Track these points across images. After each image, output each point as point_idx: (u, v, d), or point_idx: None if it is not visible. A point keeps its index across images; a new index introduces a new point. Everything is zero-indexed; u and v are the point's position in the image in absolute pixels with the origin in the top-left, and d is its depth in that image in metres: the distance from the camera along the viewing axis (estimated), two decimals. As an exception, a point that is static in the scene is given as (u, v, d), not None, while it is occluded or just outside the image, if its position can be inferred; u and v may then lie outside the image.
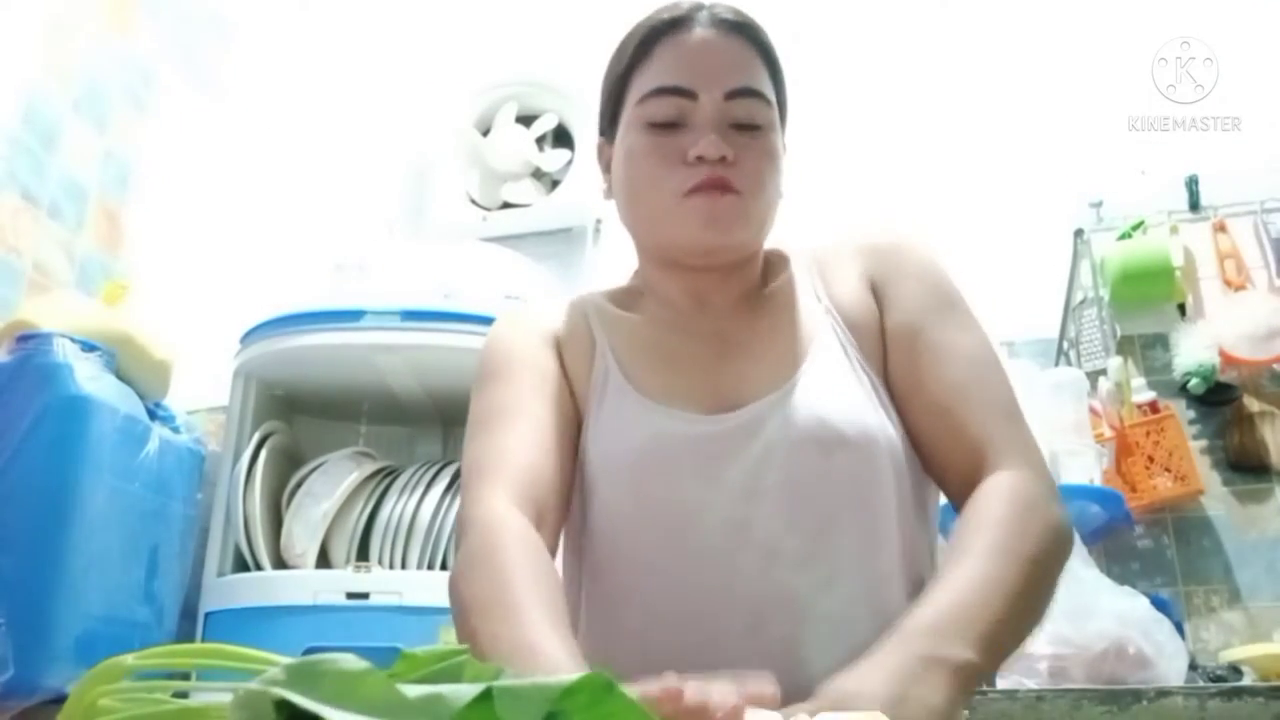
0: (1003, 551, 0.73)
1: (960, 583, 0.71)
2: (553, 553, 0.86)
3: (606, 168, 0.98)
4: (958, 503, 0.83)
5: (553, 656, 0.65)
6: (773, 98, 0.93)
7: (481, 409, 0.91)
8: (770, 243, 0.99)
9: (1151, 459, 1.92)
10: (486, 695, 0.35)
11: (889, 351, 0.90)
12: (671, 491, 0.84)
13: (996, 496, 0.78)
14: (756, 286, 0.96)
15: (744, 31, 0.92)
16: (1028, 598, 0.72)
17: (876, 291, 0.93)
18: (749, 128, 0.89)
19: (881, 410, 0.86)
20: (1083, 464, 1.84)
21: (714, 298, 0.94)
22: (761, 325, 0.92)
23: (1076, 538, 1.55)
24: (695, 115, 0.88)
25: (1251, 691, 1.35)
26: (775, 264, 0.99)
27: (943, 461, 0.85)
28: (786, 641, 0.79)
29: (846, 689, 0.62)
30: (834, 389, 0.86)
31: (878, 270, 0.94)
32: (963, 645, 0.66)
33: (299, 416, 2.09)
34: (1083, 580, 1.50)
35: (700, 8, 0.92)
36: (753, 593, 0.79)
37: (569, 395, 0.92)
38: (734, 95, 0.89)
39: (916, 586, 0.82)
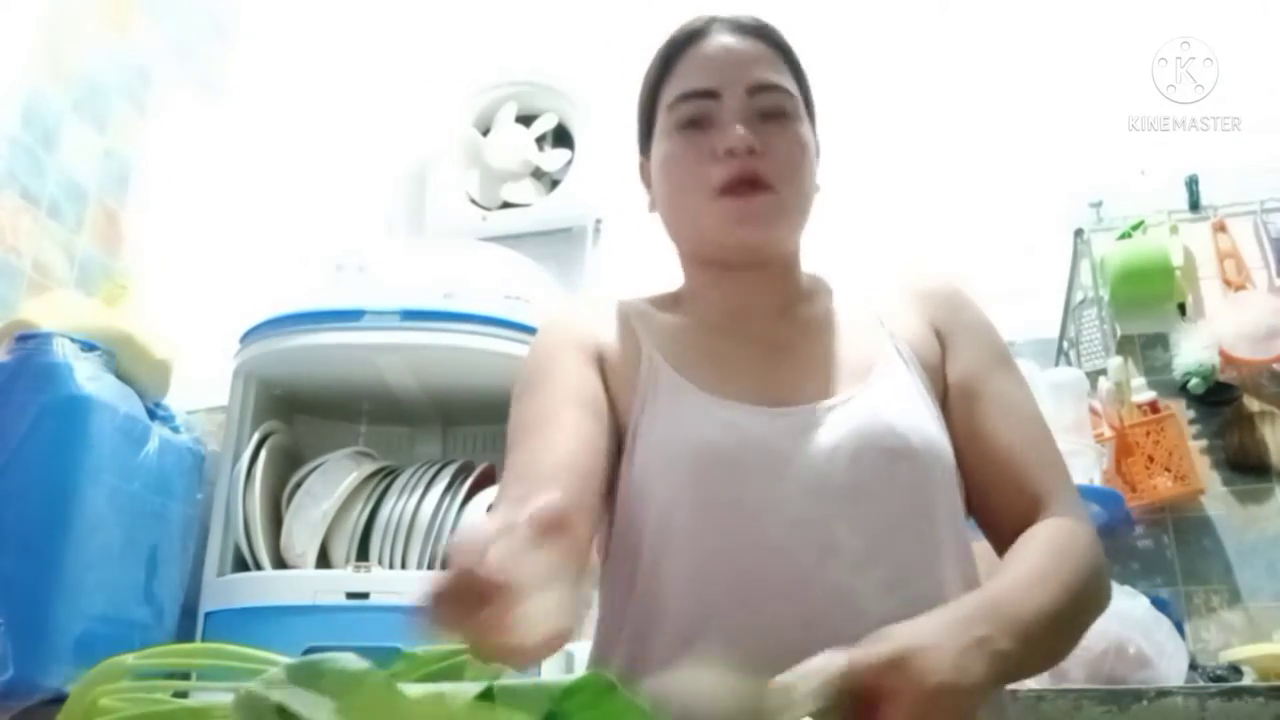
0: (1047, 574, 0.76)
1: (1005, 584, 0.75)
2: (584, 555, 0.85)
3: (648, 184, 1.00)
4: (1003, 547, 0.86)
5: None
6: (797, 92, 0.95)
7: (521, 418, 0.90)
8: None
9: (1151, 459, 1.92)
10: (488, 694, 0.35)
11: (950, 398, 0.92)
12: (736, 483, 0.84)
13: (1046, 531, 0.82)
14: (799, 296, 0.98)
15: (762, 34, 0.95)
16: (1063, 620, 0.75)
17: (941, 338, 0.95)
18: (776, 117, 0.91)
19: (943, 429, 0.89)
20: (1082, 464, 1.84)
21: (759, 300, 0.95)
22: (814, 337, 0.94)
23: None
24: (721, 113, 0.91)
25: (1252, 691, 1.35)
26: (821, 288, 1.01)
27: (996, 507, 0.88)
28: (841, 640, 0.78)
29: (910, 642, 0.65)
30: (902, 401, 0.88)
31: (940, 318, 0.96)
32: (1010, 639, 0.69)
33: (299, 416, 2.09)
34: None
35: (716, 19, 0.95)
36: (810, 589, 0.79)
37: (607, 405, 0.91)
38: (756, 90, 0.91)
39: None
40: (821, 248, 1.05)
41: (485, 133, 2.44)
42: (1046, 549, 0.80)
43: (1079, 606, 0.78)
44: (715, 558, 0.82)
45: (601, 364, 0.93)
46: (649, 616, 0.85)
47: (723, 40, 0.94)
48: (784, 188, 0.90)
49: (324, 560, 1.76)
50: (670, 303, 1.01)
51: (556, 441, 0.85)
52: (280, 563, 1.78)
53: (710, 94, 0.91)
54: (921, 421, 0.87)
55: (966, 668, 0.65)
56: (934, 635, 0.67)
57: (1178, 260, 2.05)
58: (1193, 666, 1.56)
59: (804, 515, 0.82)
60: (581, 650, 1.01)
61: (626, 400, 0.91)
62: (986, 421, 0.90)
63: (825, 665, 0.63)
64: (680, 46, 0.95)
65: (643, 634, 0.84)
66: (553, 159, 2.40)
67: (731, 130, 0.88)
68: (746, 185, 0.88)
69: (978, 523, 0.91)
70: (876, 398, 0.87)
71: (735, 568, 0.81)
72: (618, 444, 0.90)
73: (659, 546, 0.85)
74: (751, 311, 0.95)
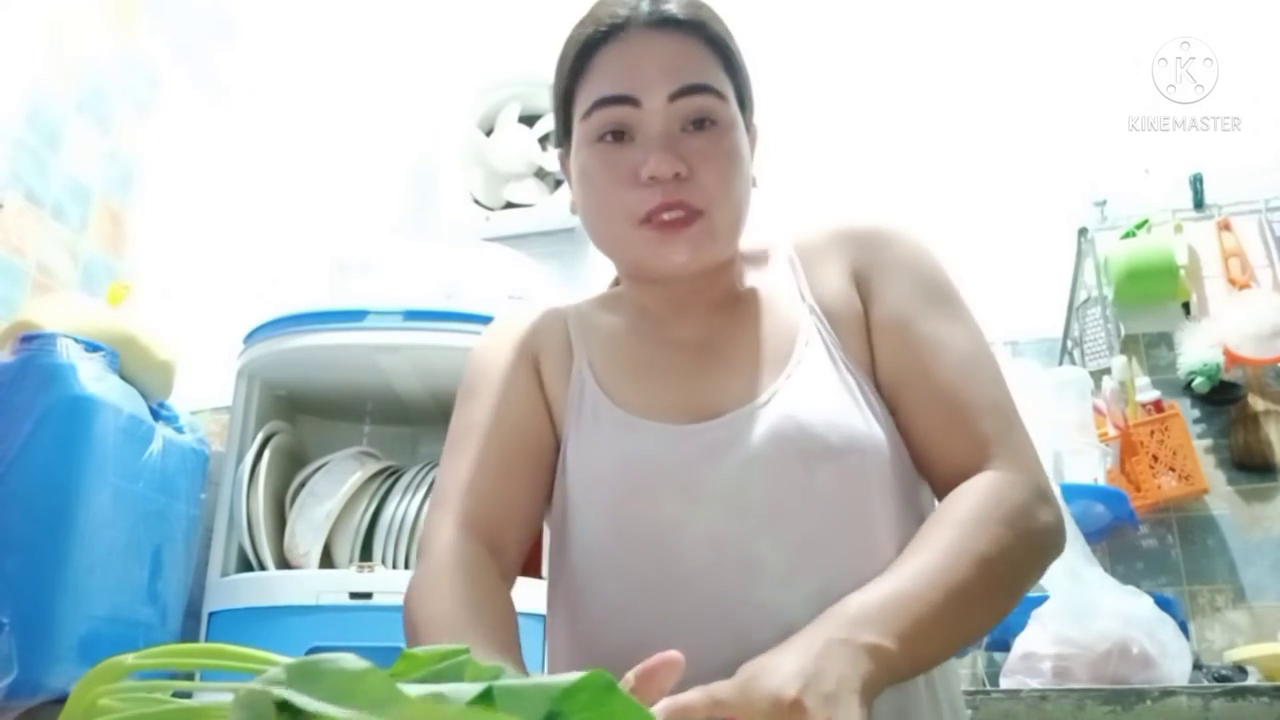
0: (955, 549, 0.72)
1: (900, 575, 0.71)
2: (514, 575, 0.87)
3: (569, 180, 0.94)
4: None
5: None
6: (728, 91, 0.87)
7: (454, 428, 0.92)
8: (757, 233, 0.96)
9: (1156, 458, 1.91)
10: (487, 694, 0.35)
11: (875, 347, 0.86)
12: (650, 509, 0.81)
13: (967, 495, 0.77)
14: (734, 289, 0.93)
15: (686, 26, 0.85)
16: (974, 598, 0.72)
17: (860, 283, 0.89)
18: (702, 125, 0.84)
19: (870, 414, 0.83)
20: (1087, 463, 1.83)
21: (692, 302, 0.91)
22: (742, 329, 0.89)
23: (1080, 537, 1.56)
24: (641, 125, 0.84)
25: (1256, 691, 1.35)
26: (753, 263, 0.95)
27: (935, 460, 0.83)
28: None
29: (761, 664, 0.64)
30: (818, 396, 0.82)
31: (861, 260, 0.90)
32: (880, 634, 0.66)
33: (302, 416, 2.09)
34: (1087, 580, 1.49)
35: (636, 7, 0.86)
36: (736, 610, 0.77)
37: (544, 413, 0.91)
38: (680, 95, 0.83)
39: None
40: (754, 230, 1.03)
41: (488, 133, 2.44)
42: (965, 518, 0.75)
43: (997, 580, 0.74)
44: (640, 588, 0.81)
45: (539, 373, 0.93)
46: (587, 645, 0.85)
47: (642, 36, 0.84)
48: (715, 210, 0.83)
49: (327, 560, 1.76)
50: (612, 300, 0.98)
51: (491, 459, 0.87)
52: (284, 563, 1.78)
53: (628, 100, 0.83)
54: (841, 417, 0.81)
55: (818, 673, 0.62)
56: (784, 650, 0.65)
57: (1182, 259, 2.05)
58: (1197, 666, 1.55)
59: (723, 535, 0.79)
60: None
61: (560, 409, 0.91)
62: (916, 367, 0.83)
63: (679, 701, 0.62)
64: (597, 41, 0.86)
65: (586, 652, 0.85)
66: (556, 159, 2.40)
67: (654, 154, 0.81)
68: (672, 215, 0.82)
69: (923, 477, 0.86)
70: (793, 397, 0.82)
71: (661, 595, 0.80)
72: (557, 450, 0.91)
73: (587, 578, 0.85)
74: (684, 313, 0.91)
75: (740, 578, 0.78)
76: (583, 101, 0.87)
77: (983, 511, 0.75)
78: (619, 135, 0.84)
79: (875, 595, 0.70)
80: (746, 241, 0.95)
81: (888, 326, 0.86)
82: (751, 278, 0.93)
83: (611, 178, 0.84)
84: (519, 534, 0.87)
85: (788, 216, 1.03)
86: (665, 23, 0.85)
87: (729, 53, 0.88)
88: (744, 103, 0.90)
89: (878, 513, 0.80)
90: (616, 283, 1.02)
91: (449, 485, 0.87)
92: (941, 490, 0.83)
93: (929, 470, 0.85)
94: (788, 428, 0.81)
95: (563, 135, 0.93)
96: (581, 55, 0.87)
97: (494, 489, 0.86)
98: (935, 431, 0.83)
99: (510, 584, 0.86)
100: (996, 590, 0.74)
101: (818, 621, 0.68)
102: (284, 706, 0.35)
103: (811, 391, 0.83)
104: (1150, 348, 2.08)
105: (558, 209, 2.37)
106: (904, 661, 0.67)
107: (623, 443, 0.85)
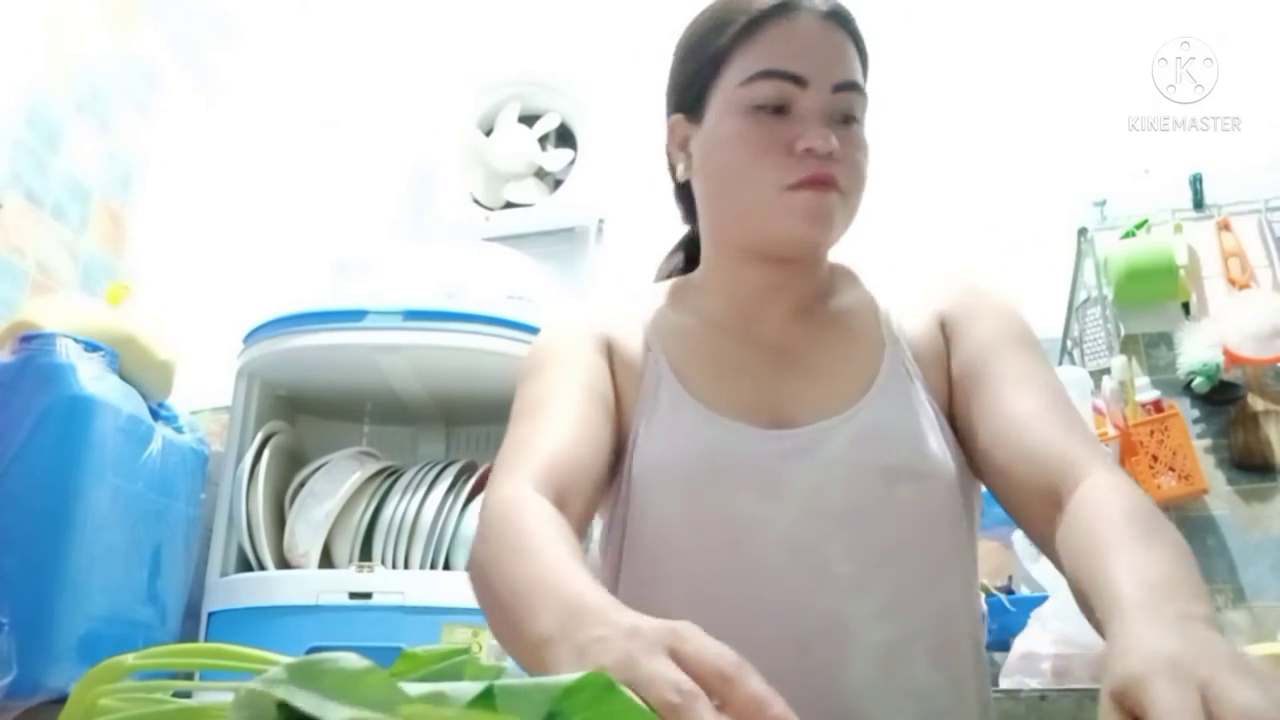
0: (1159, 537, 0.62)
1: (1146, 561, 0.59)
2: (579, 536, 0.80)
3: (681, 146, 0.94)
4: (1039, 526, 0.75)
5: (576, 586, 0.59)
6: (866, 94, 0.91)
7: (518, 405, 0.88)
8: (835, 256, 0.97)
9: (1155, 458, 1.91)
10: (488, 694, 0.35)
11: (954, 387, 0.87)
12: (728, 501, 0.81)
13: (1106, 491, 0.68)
14: (819, 296, 0.94)
15: (846, 23, 0.90)
16: (1194, 565, 0.61)
17: (946, 329, 0.90)
18: (848, 122, 0.88)
19: (945, 444, 0.84)
20: (1086, 463, 1.83)
21: (778, 296, 0.92)
22: (823, 342, 0.90)
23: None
24: (802, 104, 0.86)
25: (1256, 691, 1.34)
26: (843, 280, 0.97)
27: (1018, 482, 0.77)
28: (832, 667, 0.77)
29: (1131, 650, 0.50)
30: (901, 417, 0.84)
31: (949, 308, 0.91)
32: (1200, 604, 0.55)
33: (302, 416, 2.09)
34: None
35: None
36: (802, 615, 0.78)
37: (613, 391, 0.89)
38: (841, 89, 0.87)
39: (976, 625, 0.81)
40: (847, 257, 1.04)
41: (488, 133, 2.44)
42: (1126, 510, 0.65)
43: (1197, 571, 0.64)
44: (708, 581, 0.81)
45: (611, 357, 0.92)
46: None
47: (814, 24, 0.88)
48: (850, 196, 0.87)
49: (327, 560, 1.76)
50: (684, 295, 0.97)
51: (561, 422, 0.82)
52: (283, 563, 1.78)
53: (798, 80, 0.85)
54: (921, 439, 0.83)
55: (1204, 641, 0.50)
56: (1153, 639, 0.51)
57: (1182, 259, 2.05)
58: (1197, 666, 1.55)
59: (797, 538, 0.80)
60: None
61: (631, 399, 0.90)
62: (999, 395, 0.82)
63: None
64: (768, 16, 0.87)
65: None
66: (556, 159, 2.40)
67: (815, 130, 0.84)
68: (821, 184, 0.84)
69: (1002, 505, 0.82)
70: (876, 415, 0.84)
71: (727, 591, 0.80)
72: (620, 439, 0.89)
73: (654, 566, 0.85)
74: (765, 310, 0.92)
75: (810, 582, 0.78)
76: (743, 67, 0.87)
77: (1138, 504, 0.67)
78: (777, 110, 0.86)
79: (1155, 576, 0.57)
80: (836, 262, 0.97)
81: (969, 365, 0.86)
82: (837, 297, 0.94)
83: (764, 144, 0.85)
84: (586, 499, 0.82)
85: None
86: (836, 17, 0.89)
87: (867, 60, 0.93)
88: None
89: (945, 535, 0.82)
90: (668, 276, 1.02)
91: (515, 449, 0.81)
92: (1035, 512, 0.76)
93: (1015, 494, 0.79)
94: (871, 441, 0.82)
95: (692, 100, 0.92)
96: (750, 25, 0.88)
97: (560, 448, 0.80)
98: (1021, 453, 0.77)
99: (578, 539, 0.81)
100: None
101: (1132, 606, 0.55)
102: (284, 706, 0.35)
103: (894, 412, 0.84)
104: (1150, 348, 2.07)
105: (558, 209, 2.37)
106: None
107: (703, 433, 0.84)
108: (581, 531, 0.83)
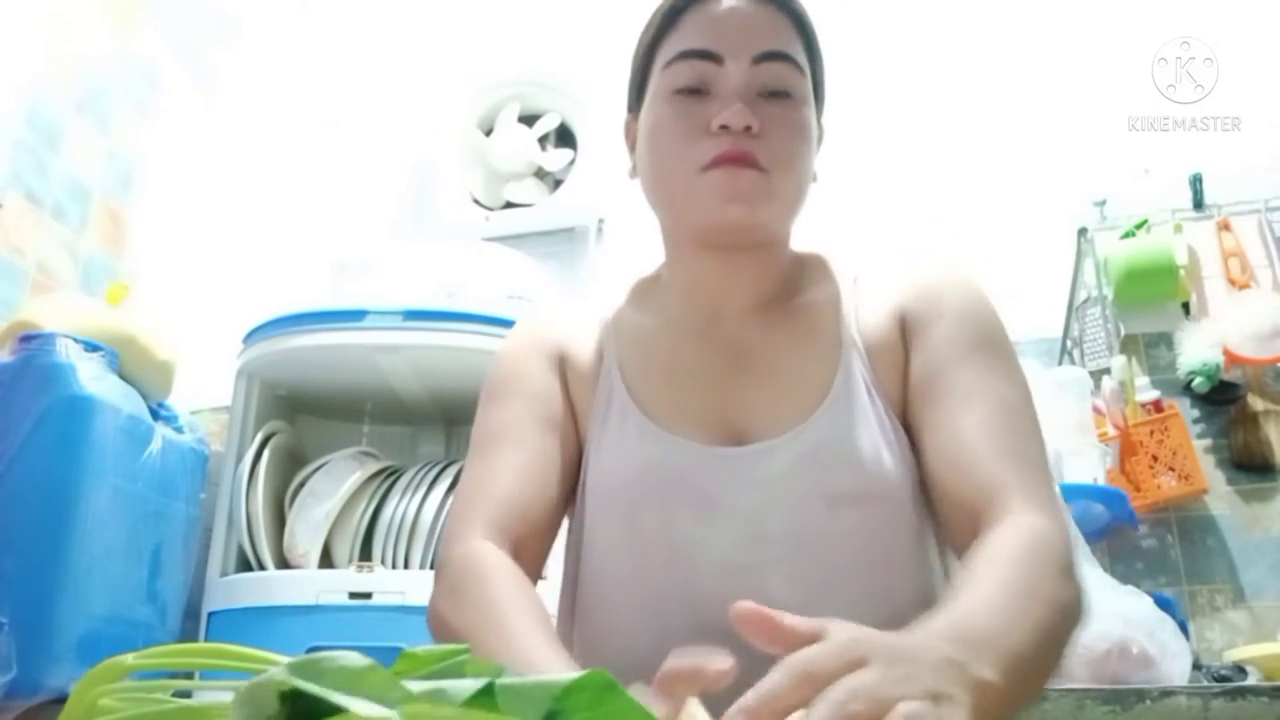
0: (1021, 589, 0.62)
1: (978, 607, 0.59)
2: (534, 581, 0.84)
3: (632, 146, 0.93)
4: (960, 548, 0.75)
5: (555, 670, 0.62)
6: (806, 68, 0.87)
7: (477, 431, 0.90)
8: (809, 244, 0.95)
9: (1155, 458, 1.91)
10: (488, 690, 0.35)
11: (910, 393, 0.83)
12: (667, 522, 0.80)
13: (1013, 533, 0.68)
14: (783, 291, 0.91)
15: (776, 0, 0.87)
16: (1046, 642, 0.61)
17: (906, 329, 0.86)
18: (779, 95, 0.84)
19: (898, 455, 0.80)
20: (1086, 463, 1.83)
21: (736, 290, 0.89)
22: (780, 344, 0.87)
23: (1080, 537, 1.56)
24: (721, 82, 0.84)
25: (1256, 691, 1.35)
26: (811, 273, 0.93)
27: (948, 507, 0.77)
28: None
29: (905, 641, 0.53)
30: (849, 436, 0.80)
31: (910, 306, 0.86)
32: (985, 665, 0.54)
33: (302, 416, 2.09)
34: (1086, 580, 1.48)
35: None
36: (742, 641, 0.76)
37: (569, 417, 0.89)
38: (763, 59, 0.84)
39: None
40: (824, 246, 1.04)
41: (488, 133, 2.44)
42: (1018, 556, 0.65)
43: (1063, 629, 0.65)
44: (651, 603, 0.80)
45: (564, 373, 0.91)
46: (590, 653, 0.84)
47: (736, 1, 0.85)
48: (777, 174, 0.82)
49: (327, 560, 1.76)
50: (648, 292, 0.96)
51: (512, 462, 0.84)
52: (283, 563, 1.78)
53: (711, 57, 0.83)
54: (869, 459, 0.79)
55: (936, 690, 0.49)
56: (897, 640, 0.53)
57: (1182, 259, 2.05)
58: (1196, 666, 1.55)
59: (737, 563, 0.78)
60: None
61: (585, 412, 0.89)
62: (947, 411, 0.78)
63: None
64: (685, 4, 0.86)
65: (591, 663, 0.83)
66: (555, 159, 2.40)
67: (729, 106, 0.81)
68: (736, 160, 0.81)
69: (937, 524, 0.82)
70: (823, 434, 0.80)
71: (670, 611, 0.79)
72: (578, 455, 0.89)
73: (597, 585, 0.85)
74: (723, 306, 0.90)
75: None
76: (664, 55, 0.87)
77: (1033, 550, 0.67)
78: (696, 91, 0.84)
79: (964, 622, 0.57)
80: (811, 249, 0.95)
81: (923, 374, 0.82)
82: (805, 291, 0.91)
83: (683, 128, 0.84)
84: (541, 540, 0.85)
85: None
86: None
87: (811, 36, 0.89)
88: (818, 92, 0.90)
89: (894, 557, 0.79)
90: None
91: (472, 490, 0.84)
92: (957, 538, 0.76)
93: (944, 518, 0.79)
94: (814, 463, 0.79)
95: (635, 98, 0.93)
96: (670, 13, 0.87)
97: (515, 494, 0.82)
98: (953, 476, 0.76)
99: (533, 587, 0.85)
100: (1062, 639, 0.65)
101: (928, 631, 0.56)
102: (285, 700, 0.35)
103: (843, 430, 0.80)
104: (1150, 348, 2.08)
105: (558, 209, 2.37)
106: (1003, 703, 0.55)
107: (647, 450, 0.83)
108: (537, 571, 0.86)
